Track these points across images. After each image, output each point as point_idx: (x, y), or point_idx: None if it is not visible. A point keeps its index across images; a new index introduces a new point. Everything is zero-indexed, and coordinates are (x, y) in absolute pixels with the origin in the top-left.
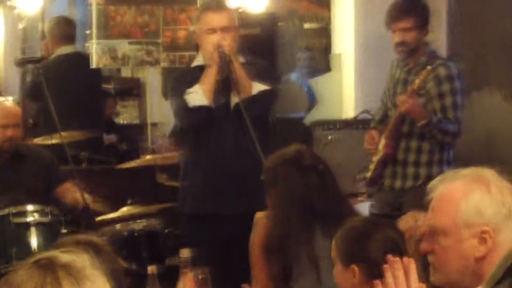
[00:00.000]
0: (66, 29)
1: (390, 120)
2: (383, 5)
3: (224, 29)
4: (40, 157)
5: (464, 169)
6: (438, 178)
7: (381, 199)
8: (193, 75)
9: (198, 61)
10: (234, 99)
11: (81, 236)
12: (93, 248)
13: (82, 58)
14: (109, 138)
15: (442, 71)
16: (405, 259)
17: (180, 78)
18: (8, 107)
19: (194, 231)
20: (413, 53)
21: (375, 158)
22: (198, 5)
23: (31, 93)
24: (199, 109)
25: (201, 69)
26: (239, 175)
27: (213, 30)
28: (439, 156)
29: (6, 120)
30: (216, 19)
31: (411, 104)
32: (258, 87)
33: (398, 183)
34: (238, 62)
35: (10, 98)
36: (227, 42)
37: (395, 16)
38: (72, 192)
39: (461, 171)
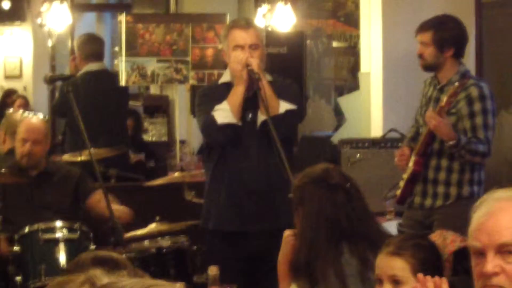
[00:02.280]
0: (94, 46)
1: (420, 137)
2: (411, 23)
3: (251, 47)
4: (68, 174)
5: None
6: (487, 195)
7: (410, 217)
8: (220, 92)
9: (225, 78)
10: (261, 117)
11: (101, 253)
12: (113, 265)
13: (110, 75)
14: (137, 155)
15: (474, 91)
16: (438, 278)
17: (207, 95)
18: (31, 123)
19: (220, 248)
20: (437, 70)
21: (405, 176)
22: (227, 23)
23: (60, 110)
24: (227, 126)
25: (228, 86)
26: (264, 193)
27: (240, 47)
28: (469, 176)
29: (27, 134)
30: (243, 36)
31: (438, 121)
32: (285, 106)
33: (428, 202)
34: (266, 80)
35: (40, 115)
36: (255, 59)
37: (417, 28)
38: (102, 204)
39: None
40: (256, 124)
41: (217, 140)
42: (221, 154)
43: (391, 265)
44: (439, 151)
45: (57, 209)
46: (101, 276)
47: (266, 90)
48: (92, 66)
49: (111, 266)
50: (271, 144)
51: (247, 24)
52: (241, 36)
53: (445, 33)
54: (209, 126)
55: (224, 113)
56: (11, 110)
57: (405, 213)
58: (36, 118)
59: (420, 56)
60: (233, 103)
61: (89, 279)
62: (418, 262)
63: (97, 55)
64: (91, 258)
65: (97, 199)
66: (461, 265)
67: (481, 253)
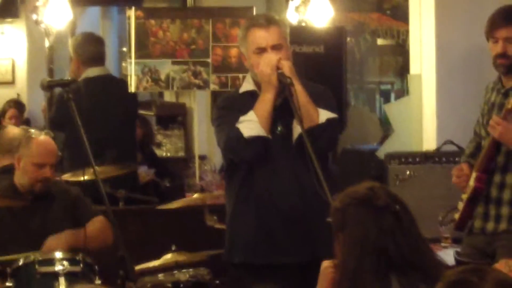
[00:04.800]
0: (93, 48)
1: (483, 150)
2: (470, 17)
3: (274, 47)
4: (66, 195)
5: None
6: None
7: (470, 244)
8: (243, 102)
9: (247, 86)
10: (298, 129)
11: None
12: None
13: (115, 81)
14: (149, 173)
15: None
16: None
17: (227, 106)
18: (46, 143)
19: (247, 283)
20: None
21: (465, 196)
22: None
23: (58, 122)
24: (255, 140)
25: (251, 94)
26: (298, 218)
27: (262, 50)
28: None
29: (44, 159)
30: (264, 36)
31: (504, 127)
32: (325, 115)
33: (490, 225)
34: (300, 85)
35: (39, 130)
36: (287, 62)
37: (498, 22)
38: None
39: None
40: (288, 137)
41: (244, 156)
42: (247, 173)
43: None
44: (505, 165)
45: None
46: None
47: (301, 97)
48: (92, 71)
49: None
50: (306, 161)
51: (268, 22)
52: (261, 37)
53: None
54: (234, 141)
55: (251, 125)
56: None
57: (464, 240)
58: (45, 136)
59: (504, 54)
60: (261, 112)
61: None
62: None
63: (97, 59)
64: None
65: (96, 227)
66: None
67: None
